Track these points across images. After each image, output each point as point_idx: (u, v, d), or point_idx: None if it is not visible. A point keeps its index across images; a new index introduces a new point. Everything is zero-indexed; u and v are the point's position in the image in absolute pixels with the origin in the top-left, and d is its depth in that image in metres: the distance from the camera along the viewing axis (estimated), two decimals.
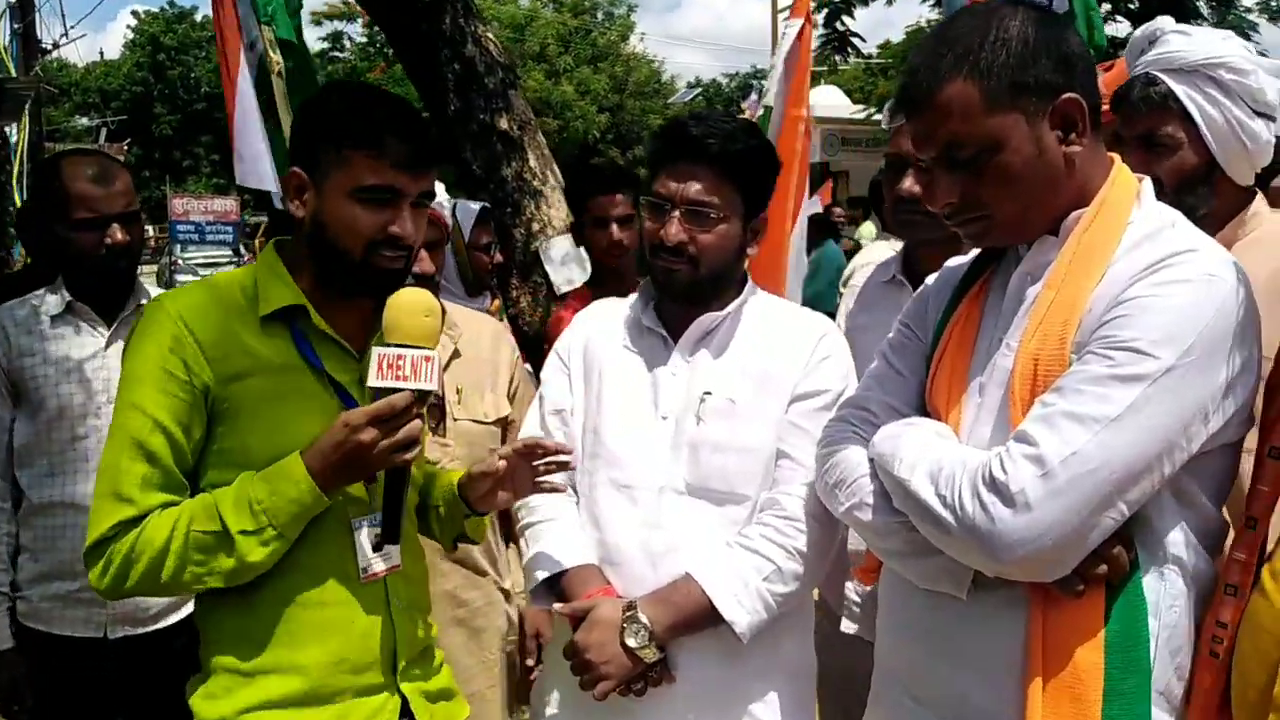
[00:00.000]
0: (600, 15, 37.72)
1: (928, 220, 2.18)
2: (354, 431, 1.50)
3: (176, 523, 1.50)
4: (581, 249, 4.06)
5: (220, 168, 39.66)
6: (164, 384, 1.52)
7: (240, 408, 1.56)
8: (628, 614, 1.76)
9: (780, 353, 1.91)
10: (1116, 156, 1.48)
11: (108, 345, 2.47)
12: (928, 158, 1.45)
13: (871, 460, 1.51)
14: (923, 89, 1.41)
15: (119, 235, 2.40)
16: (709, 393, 1.87)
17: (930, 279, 1.74)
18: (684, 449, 1.86)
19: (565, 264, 3.86)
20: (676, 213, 1.85)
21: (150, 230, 32.03)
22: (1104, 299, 1.34)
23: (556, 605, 1.86)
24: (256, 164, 3.39)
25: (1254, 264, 1.80)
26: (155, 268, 25.83)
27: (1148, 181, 1.46)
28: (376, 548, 1.63)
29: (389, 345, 1.52)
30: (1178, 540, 1.36)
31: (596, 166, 3.86)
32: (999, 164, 1.38)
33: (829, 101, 16.15)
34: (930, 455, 1.39)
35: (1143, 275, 1.32)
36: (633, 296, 2.07)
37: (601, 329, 2.03)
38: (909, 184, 2.20)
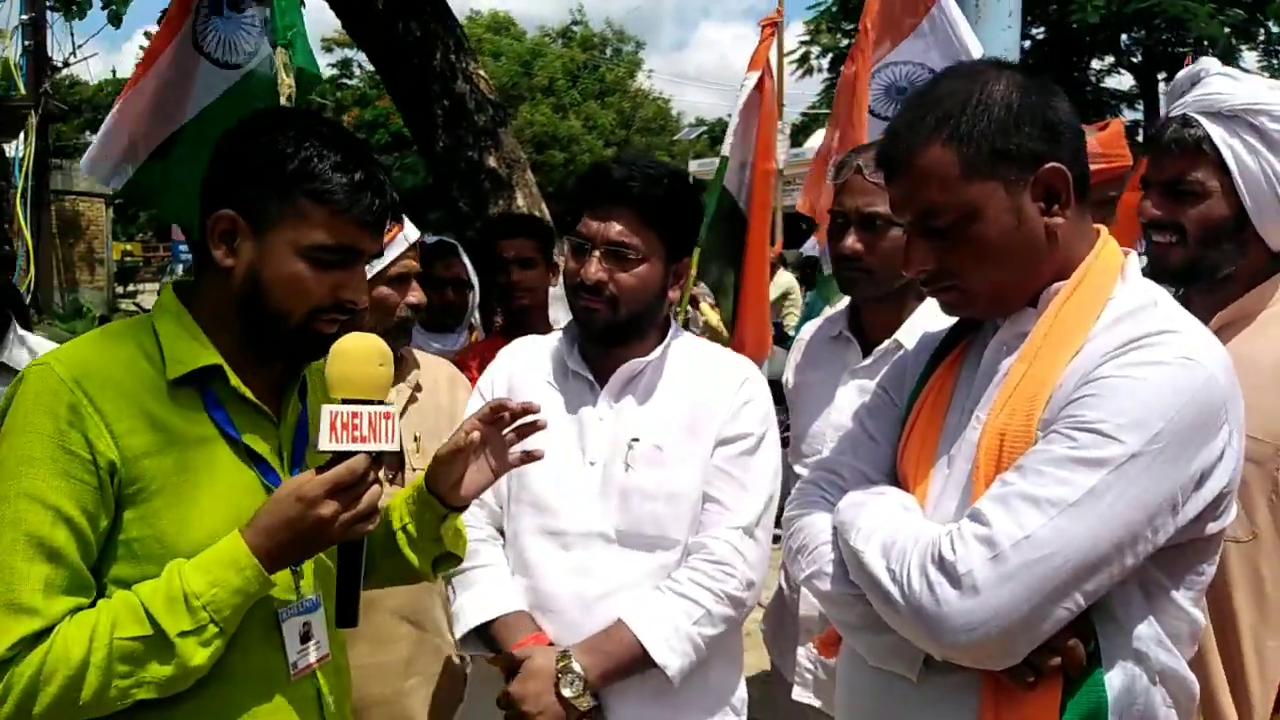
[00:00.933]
0: (609, 51, 38.12)
1: (868, 278, 2.20)
2: (310, 506, 1.30)
3: (95, 631, 1.26)
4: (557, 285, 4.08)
5: None
6: (64, 465, 1.28)
7: (151, 490, 1.33)
8: (562, 664, 1.76)
9: (705, 398, 1.91)
10: (1103, 228, 1.42)
11: None
12: (905, 222, 1.41)
13: (834, 527, 1.46)
14: (901, 152, 1.37)
15: None
16: (636, 439, 1.87)
17: (913, 346, 1.68)
18: (614, 496, 1.86)
19: (553, 302, 3.86)
20: (596, 252, 1.85)
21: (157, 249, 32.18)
22: (1075, 375, 1.28)
23: (487, 656, 1.85)
24: (112, 162, 3.36)
25: (1274, 340, 1.75)
26: (158, 286, 25.95)
27: (1133, 256, 1.41)
28: (305, 639, 1.45)
29: (341, 402, 1.34)
30: (1145, 634, 1.28)
31: (505, 214, 3.89)
32: (975, 234, 1.34)
33: None
34: (887, 527, 1.35)
35: (1116, 354, 1.26)
36: (555, 335, 2.05)
37: (526, 368, 2.01)
38: (850, 241, 2.18)
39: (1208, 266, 1.86)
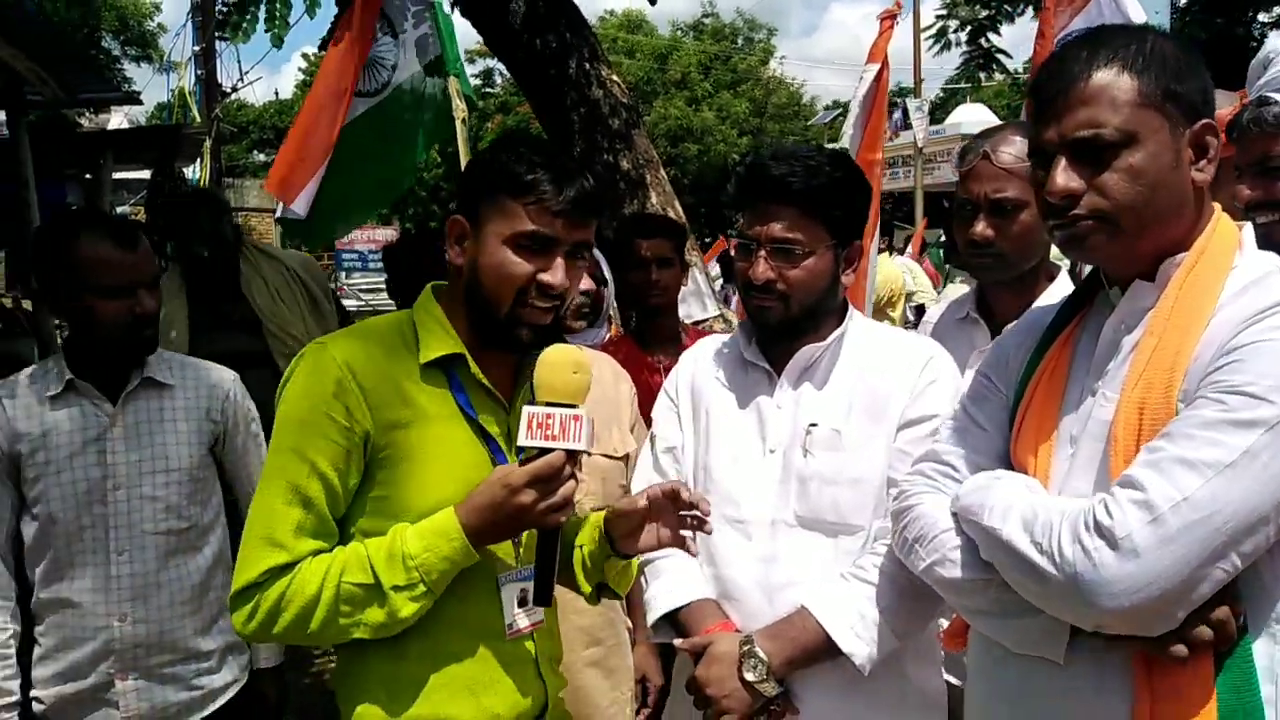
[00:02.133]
0: (740, 41, 37.87)
1: (999, 262, 2.23)
2: (513, 493, 1.47)
3: (328, 572, 1.48)
4: (702, 281, 4.20)
5: None
6: (325, 429, 1.50)
7: (398, 456, 1.54)
8: (745, 648, 1.77)
9: (885, 379, 1.89)
10: (1218, 205, 1.43)
11: (113, 425, 2.26)
12: (1054, 144, 1.38)
13: (954, 515, 1.45)
14: (1073, 72, 1.36)
15: (147, 302, 2.24)
16: (814, 424, 1.87)
17: (1008, 329, 1.70)
18: (793, 482, 1.86)
19: (684, 299, 4.01)
20: (762, 252, 1.87)
21: (322, 257, 34.10)
22: (1211, 346, 1.29)
23: (676, 641, 1.89)
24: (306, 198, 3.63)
25: None
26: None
27: (1249, 228, 1.42)
28: (521, 604, 1.62)
29: (539, 404, 1.49)
30: None
31: (641, 213, 4.01)
32: (1134, 161, 1.33)
33: (976, 118, 15.71)
34: (1022, 503, 1.34)
35: (1253, 321, 1.26)
36: (735, 332, 2.10)
37: (706, 366, 2.05)
38: (981, 228, 2.20)
39: None
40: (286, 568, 1.50)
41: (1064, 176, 1.35)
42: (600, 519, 1.72)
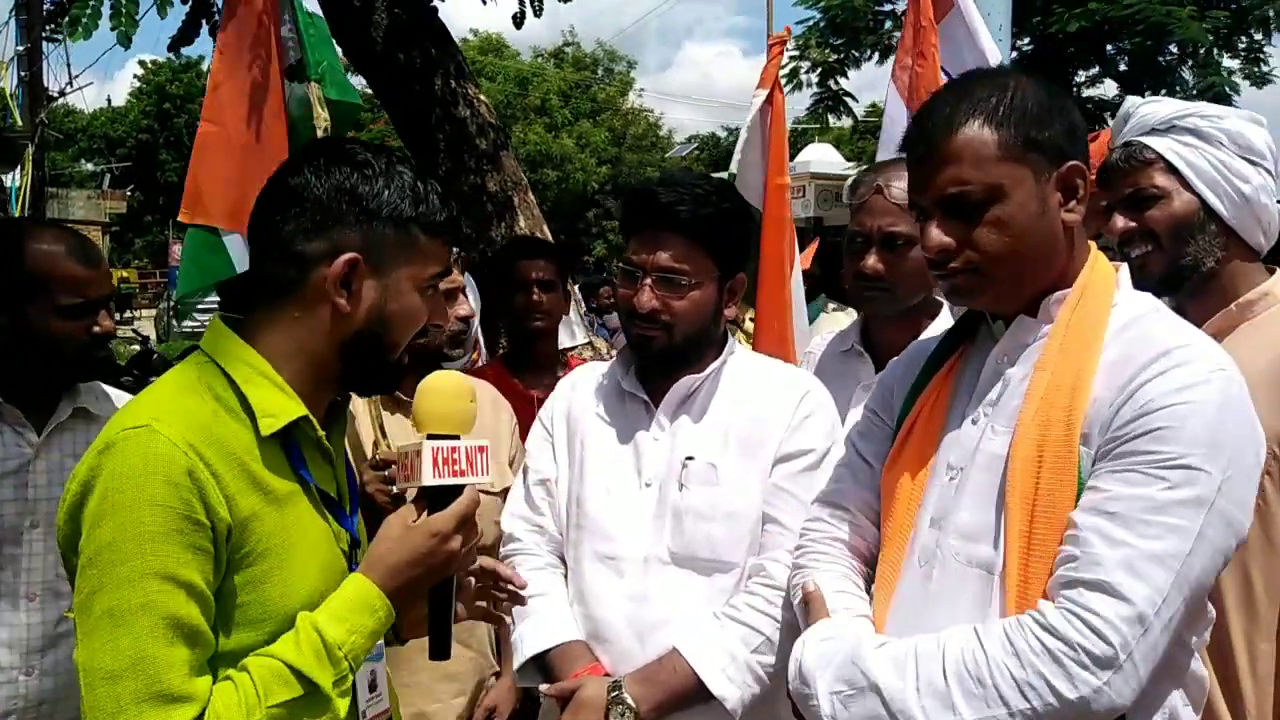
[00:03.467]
0: (600, 71, 38.29)
1: (888, 296, 2.24)
2: (444, 541, 1.32)
3: (246, 704, 1.19)
4: (571, 308, 4.11)
5: None
6: (190, 537, 1.18)
7: (256, 553, 1.26)
8: (613, 694, 1.70)
9: (762, 413, 1.86)
10: (1092, 244, 1.46)
11: (36, 457, 2.06)
12: (926, 202, 1.42)
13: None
14: (939, 128, 1.39)
15: (106, 322, 2.07)
16: (691, 457, 1.83)
17: (891, 363, 1.71)
18: (667, 517, 1.82)
19: (561, 328, 3.90)
20: (648, 280, 1.83)
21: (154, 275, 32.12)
22: (1106, 389, 1.30)
23: (542, 686, 1.81)
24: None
25: (1255, 349, 1.77)
26: (155, 312, 25.93)
27: (1124, 269, 1.46)
28: (371, 688, 1.41)
29: (437, 437, 1.35)
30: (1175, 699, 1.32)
31: (524, 236, 3.92)
32: (1001, 214, 1.36)
33: (823, 158, 16.30)
34: (931, 661, 1.28)
35: (1154, 374, 1.27)
36: (611, 361, 2.05)
37: (583, 395, 2.00)
38: (872, 261, 2.20)
39: (1189, 264, 1.90)
40: None
41: (937, 234, 1.39)
42: None
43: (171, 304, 24.33)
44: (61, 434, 2.10)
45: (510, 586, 1.59)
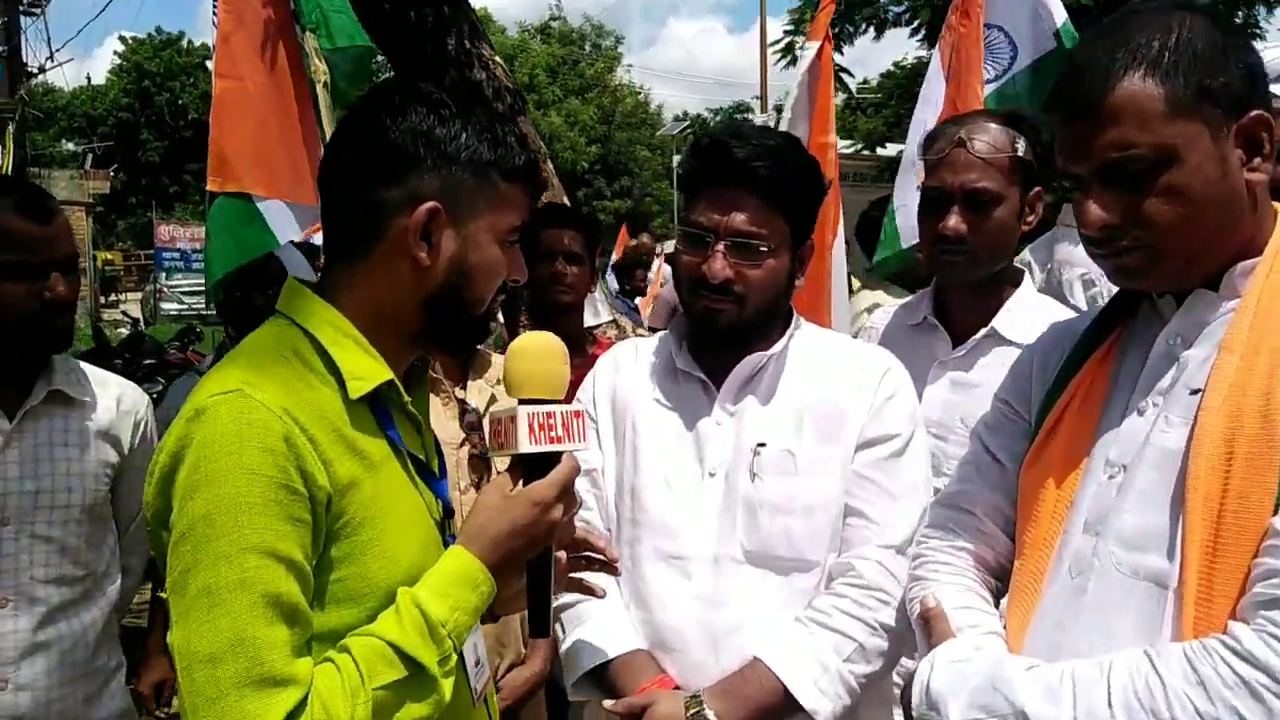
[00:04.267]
0: (588, 47, 37.94)
1: (970, 261, 2.05)
2: (546, 510, 1.26)
3: (352, 688, 1.12)
4: (598, 288, 3.90)
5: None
6: (288, 508, 1.11)
7: (355, 523, 1.19)
8: (692, 710, 1.54)
9: (840, 394, 1.69)
10: (1278, 205, 1.27)
11: (7, 446, 1.92)
12: (1085, 169, 1.22)
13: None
14: (1091, 87, 1.19)
15: (60, 287, 1.89)
16: (763, 444, 1.65)
17: (1026, 348, 1.53)
18: (738, 510, 1.64)
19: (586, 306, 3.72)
20: (721, 246, 1.64)
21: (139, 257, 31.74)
22: None
23: (606, 702, 1.62)
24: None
25: None
26: (140, 294, 25.61)
27: None
28: (476, 662, 1.34)
29: (531, 402, 1.28)
30: None
31: (552, 203, 3.74)
32: (1175, 181, 1.17)
33: None
34: (1093, 687, 1.11)
35: None
36: (658, 336, 1.86)
37: (629, 375, 1.81)
38: (954, 222, 2.02)
39: None
40: (300, 707, 1.09)
41: (1098, 208, 1.21)
42: None
43: (159, 286, 24.03)
44: (36, 420, 1.95)
45: (601, 557, 1.51)
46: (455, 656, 1.20)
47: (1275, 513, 1.09)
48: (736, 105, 38.05)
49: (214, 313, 2.60)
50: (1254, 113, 1.17)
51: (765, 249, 1.65)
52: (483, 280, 1.28)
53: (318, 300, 1.26)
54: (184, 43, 43.81)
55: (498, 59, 4.07)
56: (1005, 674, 1.18)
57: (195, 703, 1.07)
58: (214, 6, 2.47)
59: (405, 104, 1.25)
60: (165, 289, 23.29)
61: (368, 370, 1.24)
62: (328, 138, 2.65)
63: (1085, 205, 1.22)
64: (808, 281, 2.98)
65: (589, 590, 1.54)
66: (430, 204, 1.22)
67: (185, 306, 20.62)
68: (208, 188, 2.39)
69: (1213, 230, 1.20)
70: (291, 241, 2.63)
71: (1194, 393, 1.19)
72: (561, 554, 1.43)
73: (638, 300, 7.72)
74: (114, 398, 2.11)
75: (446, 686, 1.18)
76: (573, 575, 1.51)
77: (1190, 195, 1.17)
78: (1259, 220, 1.22)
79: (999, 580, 1.40)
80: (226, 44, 2.45)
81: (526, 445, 1.26)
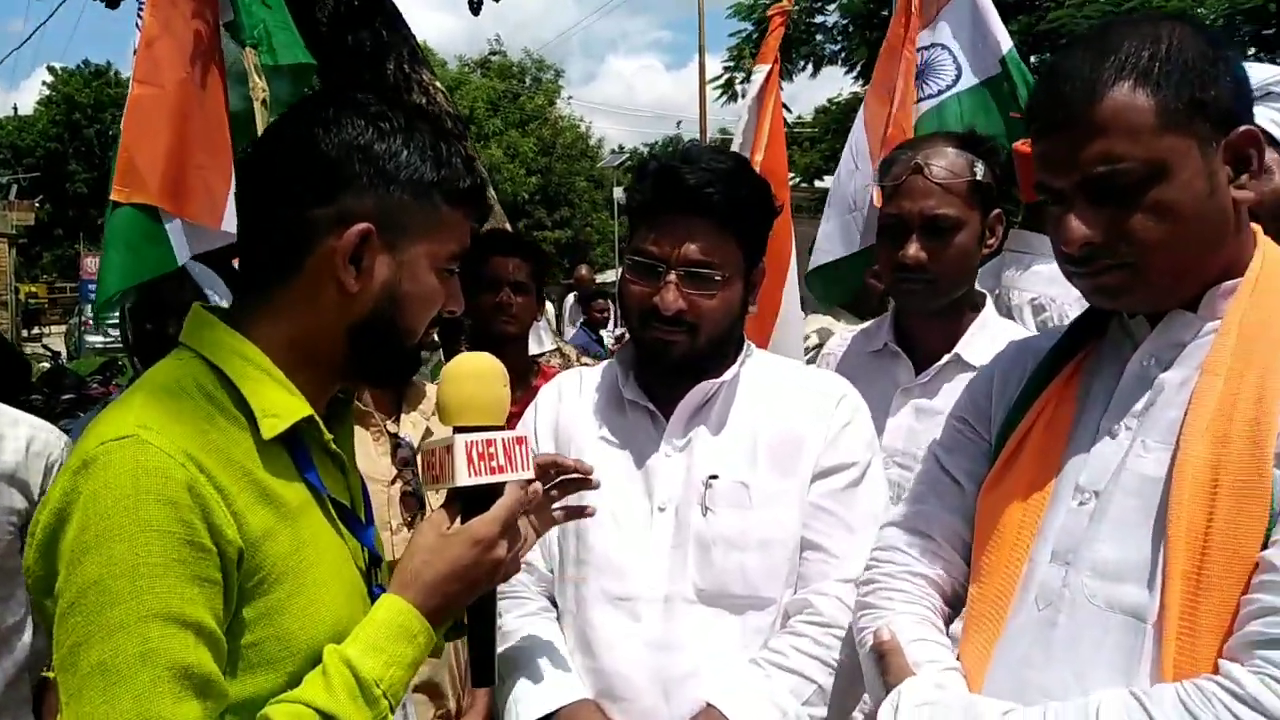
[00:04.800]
0: (528, 80, 38.07)
1: (930, 289, 2.01)
2: (488, 549, 1.18)
3: None
4: (541, 317, 3.82)
5: None
6: (194, 567, 0.99)
7: (271, 579, 1.08)
8: None
9: (795, 422, 1.63)
10: (1256, 226, 1.24)
11: None
12: (1067, 184, 1.17)
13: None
14: (1077, 98, 1.14)
15: None
16: (715, 476, 1.59)
17: (985, 367, 1.48)
18: (690, 547, 1.57)
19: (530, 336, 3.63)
20: (673, 276, 1.58)
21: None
22: None
23: None
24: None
25: None
26: (65, 327, 24.87)
27: None
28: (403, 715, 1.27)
29: (469, 430, 1.20)
30: None
31: (497, 230, 3.66)
32: (1164, 197, 1.12)
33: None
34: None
35: None
36: (603, 365, 1.81)
37: (573, 406, 1.74)
38: (914, 250, 1.98)
39: None
40: None
41: (1081, 224, 1.16)
42: None
43: (83, 319, 23.36)
44: None
45: (576, 474, 1.46)
46: (390, 716, 1.11)
47: (1266, 545, 1.03)
48: (671, 139, 38.51)
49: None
50: (1243, 128, 1.14)
51: (719, 278, 1.59)
52: (416, 310, 1.18)
53: (226, 329, 1.14)
54: (113, 74, 43.12)
55: (438, 84, 4.00)
56: (980, 718, 1.12)
57: None
58: (139, 9, 2.34)
59: (340, 114, 1.14)
60: (90, 322, 22.70)
61: (283, 406, 1.12)
62: None
63: (1066, 221, 1.17)
64: (764, 309, 2.96)
65: (580, 513, 1.50)
66: (363, 225, 1.11)
67: (111, 340, 20.06)
68: (111, 197, 2.24)
69: (1199, 249, 1.16)
70: (216, 263, 2.49)
71: (1175, 417, 1.14)
72: (537, 485, 1.34)
73: (602, 333, 7.61)
74: (24, 439, 1.97)
75: None
76: (556, 507, 1.46)
77: (1179, 212, 1.13)
78: (1242, 241, 1.19)
79: (953, 609, 1.34)
80: (150, 49, 2.32)
81: (465, 478, 1.18)
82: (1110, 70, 1.13)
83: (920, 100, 3.12)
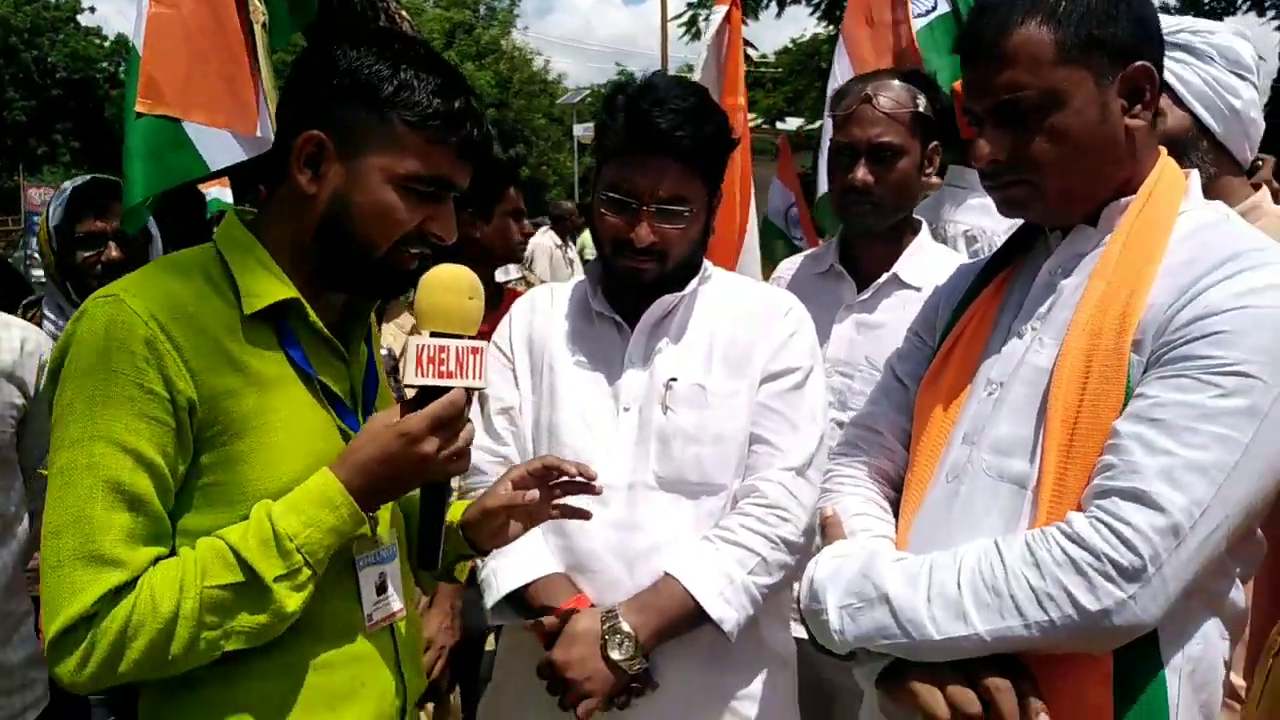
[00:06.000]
0: (482, 9, 37.30)
1: (876, 211, 2.19)
2: (413, 442, 1.25)
3: (183, 580, 1.18)
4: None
5: (81, 155, 37.39)
6: (142, 404, 1.17)
7: (231, 433, 1.24)
8: (608, 624, 1.63)
9: (745, 332, 1.80)
10: (1163, 149, 1.38)
11: None
12: (980, 108, 1.33)
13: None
14: (990, 31, 1.29)
15: None
16: (674, 379, 1.76)
17: (936, 287, 1.65)
18: (651, 441, 1.74)
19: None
20: (645, 212, 1.71)
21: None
22: (1165, 293, 1.22)
23: (525, 622, 1.71)
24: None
25: None
26: (10, 263, 24.25)
27: (1195, 174, 1.38)
28: (380, 590, 1.39)
29: (429, 335, 1.28)
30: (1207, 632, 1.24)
31: (502, 161, 3.77)
32: (1058, 122, 1.27)
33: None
34: (946, 571, 1.22)
35: (1218, 281, 1.19)
36: (572, 281, 1.95)
37: (545, 317, 1.89)
38: (862, 174, 2.16)
39: None
40: (125, 588, 1.17)
41: (987, 142, 1.32)
42: (455, 520, 1.52)
43: (28, 253, 22.77)
44: None
45: (581, 479, 1.51)
46: (308, 572, 1.23)
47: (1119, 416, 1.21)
48: (622, 72, 38.09)
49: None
50: (1138, 63, 1.28)
51: (688, 213, 1.73)
52: (370, 221, 1.29)
53: (238, 226, 1.33)
54: None
55: (405, 13, 4.03)
56: (875, 564, 1.29)
57: (43, 569, 1.18)
58: None
59: (343, 41, 1.29)
60: (38, 255, 22.15)
61: (265, 289, 1.29)
62: (264, 79, 2.61)
63: (977, 140, 1.33)
64: (722, 235, 3.10)
65: (577, 513, 1.56)
66: (313, 132, 1.26)
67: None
68: (136, 109, 2.31)
69: (1090, 170, 1.31)
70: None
71: (1067, 317, 1.30)
72: (534, 493, 1.47)
73: None
74: (18, 340, 2.07)
75: (289, 600, 1.22)
76: (556, 503, 1.52)
77: (1072, 137, 1.28)
78: (1138, 163, 1.33)
79: (898, 492, 1.50)
80: None
81: (412, 377, 1.26)
82: (1022, 7, 1.28)
83: (916, 18, 3.20)
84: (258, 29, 2.41)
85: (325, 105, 1.27)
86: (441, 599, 2.37)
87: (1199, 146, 1.87)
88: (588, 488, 1.52)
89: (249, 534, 1.22)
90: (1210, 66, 1.86)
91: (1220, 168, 1.89)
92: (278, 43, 2.68)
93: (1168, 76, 1.84)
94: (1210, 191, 1.85)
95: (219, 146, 2.39)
